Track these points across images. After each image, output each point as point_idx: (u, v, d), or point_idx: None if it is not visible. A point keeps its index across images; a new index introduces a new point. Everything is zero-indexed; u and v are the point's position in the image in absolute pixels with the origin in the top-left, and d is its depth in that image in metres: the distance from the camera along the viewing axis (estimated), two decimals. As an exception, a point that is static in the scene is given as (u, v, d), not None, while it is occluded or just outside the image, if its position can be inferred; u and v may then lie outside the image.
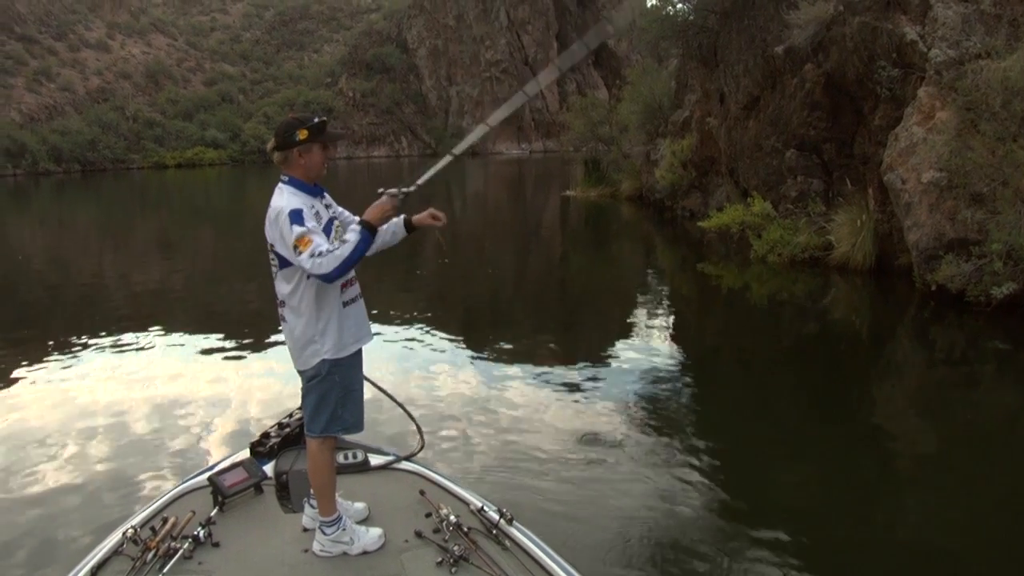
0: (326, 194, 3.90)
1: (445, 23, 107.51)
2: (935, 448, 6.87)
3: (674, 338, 10.62)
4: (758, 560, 4.80)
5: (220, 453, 6.22)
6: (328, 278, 3.54)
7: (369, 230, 3.63)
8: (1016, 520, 5.38)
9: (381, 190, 3.79)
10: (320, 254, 3.48)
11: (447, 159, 3.95)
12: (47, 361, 9.71)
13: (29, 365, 9.50)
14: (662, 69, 28.45)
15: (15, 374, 9.18)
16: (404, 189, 3.80)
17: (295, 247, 3.50)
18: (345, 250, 3.53)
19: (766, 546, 4.96)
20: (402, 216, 3.99)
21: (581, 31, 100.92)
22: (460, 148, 4.05)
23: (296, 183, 3.73)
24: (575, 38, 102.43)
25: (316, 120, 3.74)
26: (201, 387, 8.57)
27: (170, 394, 8.31)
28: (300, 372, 3.83)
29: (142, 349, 10.23)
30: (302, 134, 3.69)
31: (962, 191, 10.39)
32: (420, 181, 3.85)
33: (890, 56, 12.40)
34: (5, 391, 8.63)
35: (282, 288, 3.75)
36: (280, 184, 3.74)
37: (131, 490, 5.97)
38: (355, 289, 3.90)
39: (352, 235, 3.60)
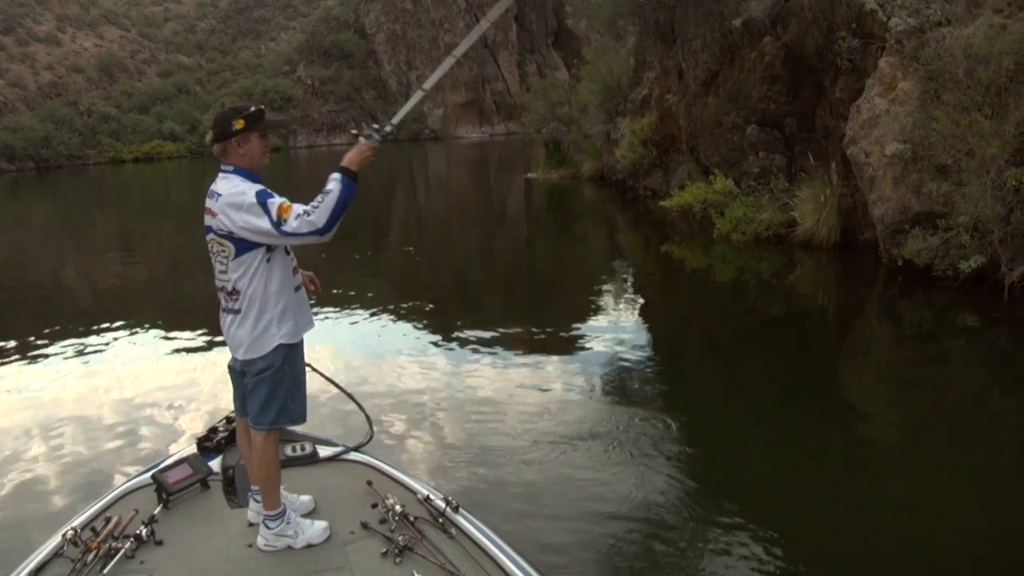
0: None
1: (403, 7, 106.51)
2: (905, 425, 6.79)
3: (639, 321, 10.51)
4: (722, 545, 4.66)
5: (177, 449, 6.03)
6: (322, 231, 3.46)
7: (350, 176, 3.54)
8: (988, 495, 5.31)
9: (355, 131, 3.70)
10: (307, 212, 3.45)
11: (419, 95, 4.09)
12: (4, 360, 9.46)
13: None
14: (620, 47, 28.25)
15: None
16: (381, 128, 3.68)
17: (279, 218, 3.45)
18: (331, 199, 3.46)
19: (732, 530, 4.83)
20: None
21: (541, 12, 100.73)
22: (430, 82, 4.06)
23: (242, 172, 3.67)
24: (535, 19, 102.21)
25: (253, 109, 3.73)
26: (160, 383, 8.39)
27: (128, 391, 8.15)
28: (248, 364, 3.73)
29: (100, 346, 9.96)
30: (239, 123, 3.68)
31: (927, 163, 10.28)
32: (395, 120, 3.79)
33: (850, 26, 12.29)
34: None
35: (236, 278, 3.65)
36: (225, 173, 3.68)
37: (82, 489, 5.79)
38: (300, 276, 3.87)
39: (333, 184, 3.51)
